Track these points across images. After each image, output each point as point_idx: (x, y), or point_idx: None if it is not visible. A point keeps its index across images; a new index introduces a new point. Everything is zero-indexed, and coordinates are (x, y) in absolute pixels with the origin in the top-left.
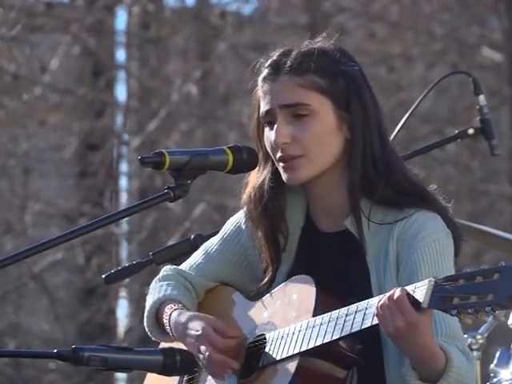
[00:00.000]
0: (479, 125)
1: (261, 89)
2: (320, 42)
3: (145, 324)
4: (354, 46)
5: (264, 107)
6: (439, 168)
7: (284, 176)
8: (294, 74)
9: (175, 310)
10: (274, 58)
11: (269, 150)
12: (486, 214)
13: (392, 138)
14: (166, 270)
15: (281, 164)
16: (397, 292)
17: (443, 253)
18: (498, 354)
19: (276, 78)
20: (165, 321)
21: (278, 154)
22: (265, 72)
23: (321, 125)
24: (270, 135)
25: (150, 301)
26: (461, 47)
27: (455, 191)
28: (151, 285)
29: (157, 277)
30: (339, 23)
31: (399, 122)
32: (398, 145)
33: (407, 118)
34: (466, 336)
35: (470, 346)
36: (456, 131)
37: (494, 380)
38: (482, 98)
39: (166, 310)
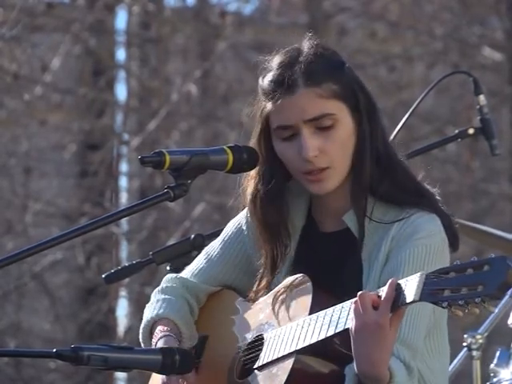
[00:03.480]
0: (479, 125)
1: (272, 104)
2: (313, 48)
3: (140, 339)
4: (355, 45)
5: (282, 122)
6: (440, 168)
7: (310, 188)
8: (312, 85)
9: (162, 337)
10: (278, 71)
11: (288, 164)
12: (486, 214)
13: (393, 137)
14: (168, 280)
15: (307, 177)
16: (362, 293)
17: (432, 258)
18: (497, 354)
19: (292, 92)
20: (153, 341)
21: (305, 168)
22: (272, 87)
23: (343, 132)
24: (290, 148)
25: (146, 316)
26: (461, 47)
27: (456, 191)
28: (152, 294)
29: (158, 287)
30: (339, 23)
31: (400, 121)
32: (399, 144)
33: (408, 118)
34: (466, 336)
35: (469, 346)
36: (456, 131)
37: (494, 380)
38: (482, 97)
39: (157, 331)
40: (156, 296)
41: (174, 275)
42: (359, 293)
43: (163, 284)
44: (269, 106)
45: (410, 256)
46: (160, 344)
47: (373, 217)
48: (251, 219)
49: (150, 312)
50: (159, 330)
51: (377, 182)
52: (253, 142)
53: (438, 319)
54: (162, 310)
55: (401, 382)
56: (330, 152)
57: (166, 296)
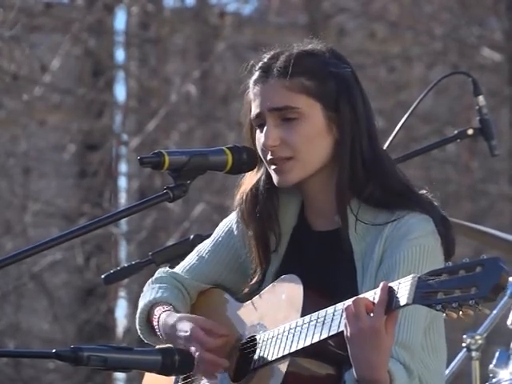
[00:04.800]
0: (479, 125)
1: (252, 91)
2: (311, 44)
3: (137, 326)
4: (354, 46)
5: (254, 110)
6: (439, 168)
7: (275, 178)
8: (283, 76)
9: (164, 311)
10: (265, 60)
11: (259, 153)
12: (485, 215)
13: (392, 137)
14: (160, 272)
15: (272, 167)
16: (357, 299)
17: (426, 259)
18: (497, 355)
19: (265, 81)
20: (154, 323)
21: (268, 157)
22: (255, 75)
23: (310, 127)
24: (260, 137)
25: (141, 303)
26: (461, 47)
27: (455, 191)
28: (145, 287)
29: (151, 279)
30: (339, 23)
31: (399, 122)
32: (398, 145)
33: (407, 118)
34: (465, 336)
35: (469, 347)
36: (456, 131)
37: (494, 380)
38: (481, 98)
39: (156, 312)
40: (149, 285)
41: (166, 269)
42: (353, 298)
43: (156, 275)
44: (250, 94)
45: (405, 257)
46: (163, 318)
47: (361, 219)
48: (241, 217)
49: (145, 299)
50: (158, 310)
51: (362, 185)
52: (244, 132)
53: (434, 317)
54: (158, 294)
55: None
56: (293, 143)
57: (162, 284)
